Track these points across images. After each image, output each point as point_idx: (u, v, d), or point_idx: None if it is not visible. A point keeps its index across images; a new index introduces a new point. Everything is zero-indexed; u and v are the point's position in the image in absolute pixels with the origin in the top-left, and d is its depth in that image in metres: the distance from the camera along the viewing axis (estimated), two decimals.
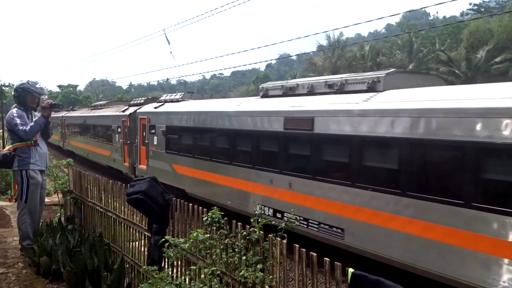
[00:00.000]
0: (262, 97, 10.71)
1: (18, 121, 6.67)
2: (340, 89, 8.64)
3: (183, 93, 16.23)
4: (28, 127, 6.65)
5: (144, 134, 15.71)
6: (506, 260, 5.44)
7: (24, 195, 6.75)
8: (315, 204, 8.18)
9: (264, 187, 9.47)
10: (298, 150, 8.90)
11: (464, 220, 5.88)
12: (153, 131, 14.93)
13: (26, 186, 6.75)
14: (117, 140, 18.70)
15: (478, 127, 5.79)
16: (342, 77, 8.91)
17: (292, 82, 10.39)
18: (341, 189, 7.66)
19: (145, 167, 15.50)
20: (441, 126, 6.21)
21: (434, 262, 6.21)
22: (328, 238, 7.96)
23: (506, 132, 5.48)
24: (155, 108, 15.47)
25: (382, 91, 7.80)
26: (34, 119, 6.87)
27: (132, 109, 17.59)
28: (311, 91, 9.32)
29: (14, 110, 6.82)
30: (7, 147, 6.99)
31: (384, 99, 7.44)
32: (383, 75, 8.02)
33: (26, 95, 6.89)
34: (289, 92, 9.88)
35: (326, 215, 7.98)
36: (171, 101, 15.53)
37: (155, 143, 14.76)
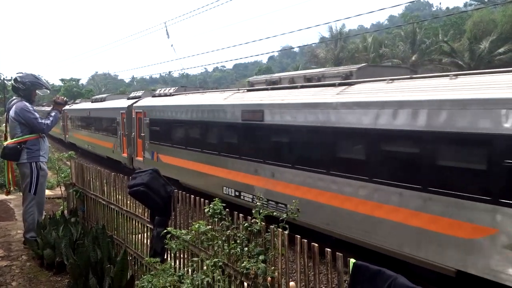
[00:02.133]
0: (93, 101, 25.22)
1: (36, 114, 6.74)
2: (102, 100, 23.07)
3: (81, 99, 33.00)
4: (49, 121, 6.79)
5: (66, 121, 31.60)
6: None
7: (33, 187, 6.74)
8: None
9: (96, 141, 22.27)
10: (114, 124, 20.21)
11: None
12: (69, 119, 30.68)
13: (36, 178, 6.74)
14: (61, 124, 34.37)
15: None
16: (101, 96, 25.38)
17: (99, 95, 25.34)
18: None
19: (67, 136, 31.56)
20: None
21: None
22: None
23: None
24: (70, 106, 29.57)
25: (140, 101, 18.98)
26: (51, 114, 6.97)
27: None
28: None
29: (26, 103, 6.76)
30: (14, 139, 6.84)
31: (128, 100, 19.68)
32: (141, 93, 19.44)
33: (33, 89, 6.93)
34: (97, 100, 24.10)
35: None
36: (79, 102, 31.32)
37: (69, 123, 30.94)
